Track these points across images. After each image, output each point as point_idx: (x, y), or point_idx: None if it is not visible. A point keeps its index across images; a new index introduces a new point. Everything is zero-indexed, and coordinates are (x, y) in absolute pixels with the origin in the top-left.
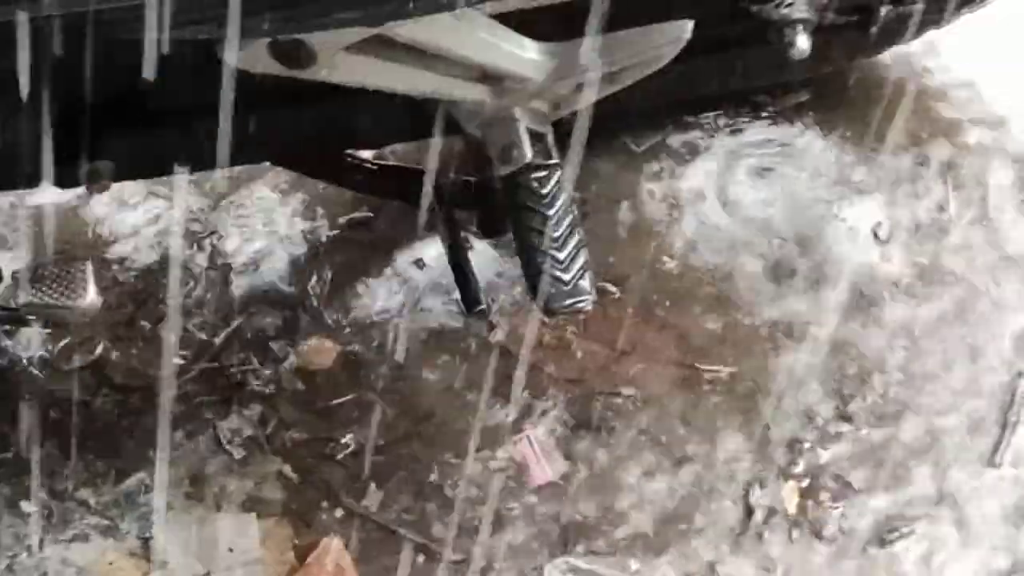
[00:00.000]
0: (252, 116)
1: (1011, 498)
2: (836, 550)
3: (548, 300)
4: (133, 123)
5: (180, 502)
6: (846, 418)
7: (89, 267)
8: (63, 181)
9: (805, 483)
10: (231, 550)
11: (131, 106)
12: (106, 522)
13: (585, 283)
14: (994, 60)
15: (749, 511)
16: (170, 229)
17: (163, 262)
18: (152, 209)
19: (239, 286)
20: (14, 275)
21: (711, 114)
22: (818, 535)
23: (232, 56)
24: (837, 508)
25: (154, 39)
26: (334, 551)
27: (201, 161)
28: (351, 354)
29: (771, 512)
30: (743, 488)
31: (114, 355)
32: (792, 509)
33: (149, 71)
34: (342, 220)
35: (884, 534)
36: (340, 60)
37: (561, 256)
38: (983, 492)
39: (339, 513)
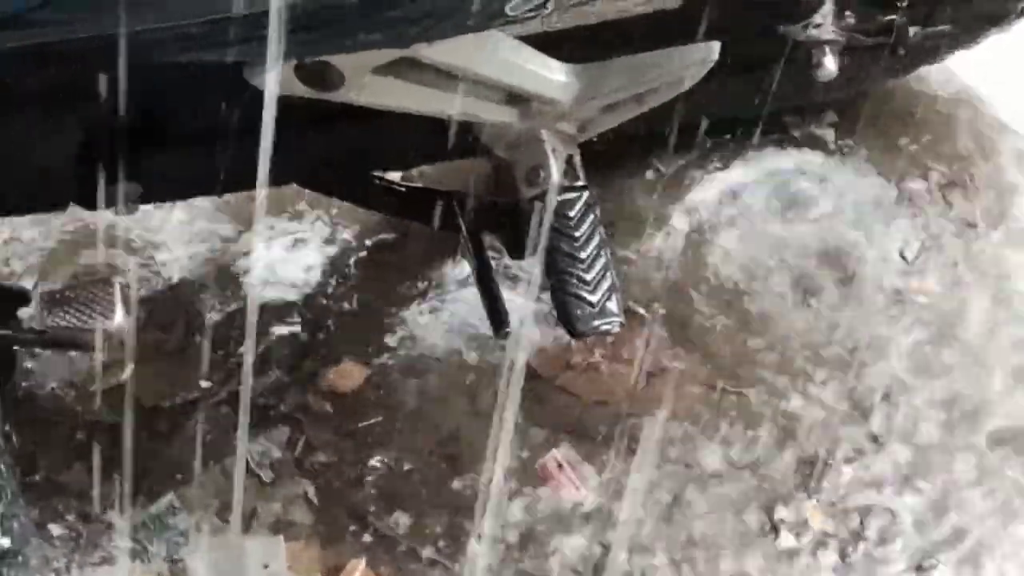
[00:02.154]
0: (279, 138)
1: None
2: (867, 572)
3: (576, 322)
4: (161, 145)
5: (208, 524)
6: (875, 439)
7: (117, 289)
8: (90, 203)
9: (832, 502)
10: (265, 567)
11: (159, 128)
12: (134, 545)
13: (613, 305)
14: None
15: (775, 530)
16: (198, 252)
17: (192, 284)
18: (178, 231)
19: (267, 309)
20: (41, 297)
21: (738, 136)
22: (844, 556)
23: (259, 78)
24: (867, 529)
25: (182, 62)
26: (361, 573)
27: (228, 184)
28: (379, 376)
29: (798, 532)
30: (769, 508)
31: (142, 377)
32: (818, 528)
33: (177, 93)
34: (369, 242)
35: (922, 560)
36: (367, 82)
37: (588, 277)
38: None
39: (367, 535)
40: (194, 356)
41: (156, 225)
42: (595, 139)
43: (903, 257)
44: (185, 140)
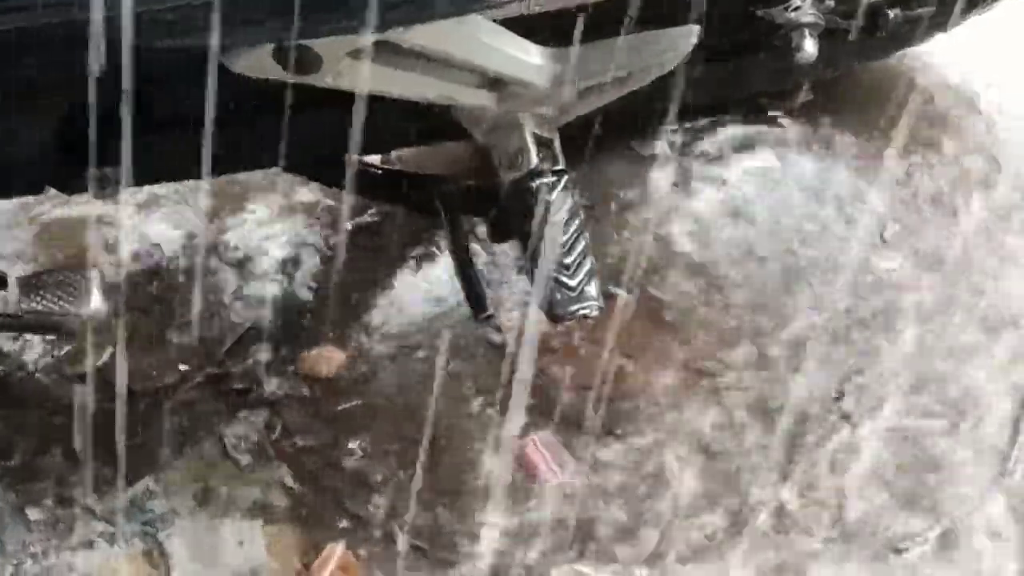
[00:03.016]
0: (258, 122)
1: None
2: (844, 552)
3: (554, 306)
4: (140, 128)
5: (186, 508)
6: (849, 419)
7: (94, 274)
8: (68, 187)
9: (809, 484)
10: (240, 544)
11: (138, 111)
12: (112, 529)
13: (592, 289)
14: (999, 61)
15: (755, 512)
16: (176, 236)
17: (169, 269)
18: (159, 216)
19: (245, 292)
20: (18, 281)
21: (717, 118)
22: (822, 539)
23: (237, 62)
24: (844, 511)
25: (160, 45)
26: (339, 557)
27: (207, 167)
28: (358, 361)
29: (778, 513)
30: (748, 490)
31: (119, 362)
32: (796, 510)
33: (156, 76)
34: (348, 226)
35: (899, 541)
36: (345, 66)
37: (567, 261)
38: (994, 502)
39: (345, 520)
40: (172, 341)
41: (135, 209)
42: (574, 122)
43: (881, 237)
44: (164, 123)
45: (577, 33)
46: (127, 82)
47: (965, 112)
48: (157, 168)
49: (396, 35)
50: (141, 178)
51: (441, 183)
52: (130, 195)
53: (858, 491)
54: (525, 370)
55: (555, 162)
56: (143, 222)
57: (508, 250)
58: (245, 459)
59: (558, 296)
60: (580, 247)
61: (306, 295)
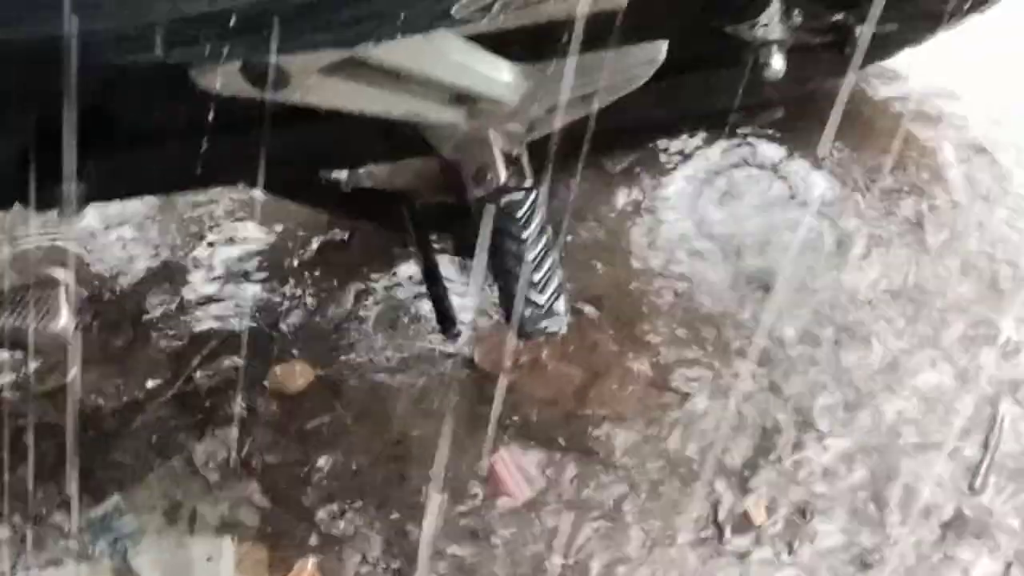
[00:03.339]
0: (225, 138)
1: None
2: (811, 568)
3: (523, 322)
4: (107, 145)
5: (155, 526)
6: (815, 431)
7: (63, 291)
8: (34, 203)
9: (775, 498)
10: (208, 559)
11: (105, 127)
12: (80, 546)
13: (560, 305)
14: (967, 76)
15: (719, 528)
16: (145, 252)
17: (139, 285)
18: (127, 233)
19: (214, 309)
20: None
21: (686, 135)
22: (790, 551)
23: (204, 79)
24: (809, 523)
25: (127, 62)
26: (309, 573)
27: (175, 183)
28: (326, 377)
29: (741, 528)
30: (713, 505)
31: (88, 378)
32: (761, 523)
33: (123, 93)
34: (317, 242)
35: (864, 555)
36: (314, 82)
37: (536, 278)
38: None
39: (314, 536)
40: (140, 357)
41: (104, 227)
42: (543, 138)
43: (847, 250)
44: (131, 140)
45: (546, 50)
46: (91, 98)
47: (932, 128)
48: (123, 184)
49: (364, 52)
50: (107, 193)
51: (410, 199)
52: (98, 211)
53: (823, 506)
54: (493, 386)
55: (524, 179)
56: (113, 237)
57: (477, 266)
58: (214, 476)
59: (527, 313)
60: (548, 264)
61: (275, 311)
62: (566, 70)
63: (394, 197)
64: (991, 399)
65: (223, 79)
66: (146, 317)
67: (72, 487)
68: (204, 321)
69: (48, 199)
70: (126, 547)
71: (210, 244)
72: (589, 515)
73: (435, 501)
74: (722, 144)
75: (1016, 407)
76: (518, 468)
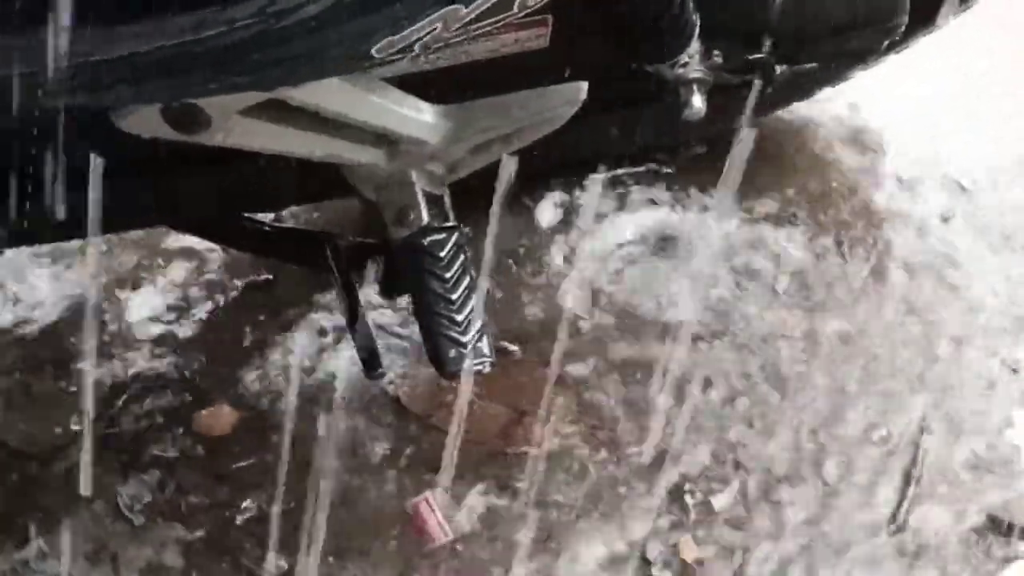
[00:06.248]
0: (146, 179)
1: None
2: None
3: (447, 363)
4: (26, 187)
5: (79, 570)
6: (743, 469)
7: None
8: None
9: (704, 534)
10: None
11: (24, 170)
12: None
13: (484, 345)
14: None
15: (648, 565)
16: (69, 294)
17: (60, 327)
18: (49, 275)
19: (136, 350)
20: None
21: (609, 174)
22: None
23: (125, 120)
24: (746, 565)
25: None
26: None
27: (97, 226)
28: (251, 419)
29: (670, 565)
30: (641, 543)
31: (8, 420)
32: (691, 560)
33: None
34: (240, 283)
35: None
36: (234, 124)
37: (459, 318)
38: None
39: None
40: (62, 400)
41: (23, 269)
42: (467, 178)
43: (774, 289)
44: (51, 182)
45: (467, 91)
46: (10, 139)
47: (856, 163)
48: (42, 227)
49: (285, 93)
50: (24, 238)
51: (332, 240)
52: (18, 253)
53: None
54: (419, 427)
55: (446, 219)
56: (31, 280)
57: (401, 305)
58: (139, 519)
59: (451, 353)
60: (472, 303)
61: (199, 353)
62: (486, 110)
63: (316, 237)
64: None
65: (143, 121)
66: (68, 359)
67: None
68: (129, 363)
69: None
70: None
71: (134, 285)
72: (513, 555)
73: (360, 543)
74: (643, 183)
75: None
76: (441, 510)
